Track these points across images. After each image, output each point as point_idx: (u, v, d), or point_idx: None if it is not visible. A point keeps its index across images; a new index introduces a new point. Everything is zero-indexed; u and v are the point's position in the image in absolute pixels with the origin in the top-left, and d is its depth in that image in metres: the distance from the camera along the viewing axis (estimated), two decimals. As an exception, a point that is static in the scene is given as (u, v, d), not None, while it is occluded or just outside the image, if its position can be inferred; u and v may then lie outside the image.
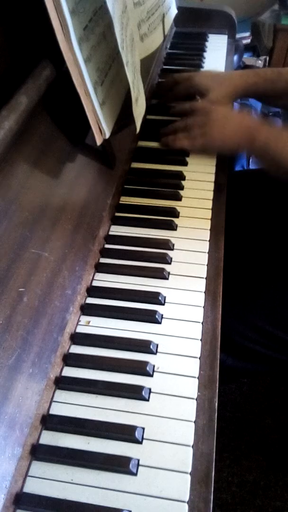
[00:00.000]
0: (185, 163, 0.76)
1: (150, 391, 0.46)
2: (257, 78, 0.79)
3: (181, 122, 0.77)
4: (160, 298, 0.55)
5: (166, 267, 0.59)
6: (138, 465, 0.41)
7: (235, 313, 0.70)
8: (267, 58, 2.16)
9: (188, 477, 0.41)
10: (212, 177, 0.74)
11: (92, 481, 0.41)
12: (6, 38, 0.51)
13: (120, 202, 0.69)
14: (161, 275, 0.57)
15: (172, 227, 0.65)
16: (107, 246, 0.62)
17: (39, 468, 0.41)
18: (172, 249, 0.62)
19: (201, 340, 0.51)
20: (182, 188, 0.72)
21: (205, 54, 1.09)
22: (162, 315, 0.54)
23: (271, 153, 0.67)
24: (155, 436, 0.43)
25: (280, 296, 0.70)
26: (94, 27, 0.53)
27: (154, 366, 0.48)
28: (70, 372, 0.48)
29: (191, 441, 0.43)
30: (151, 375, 0.48)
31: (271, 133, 0.69)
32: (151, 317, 0.53)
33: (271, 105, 1.28)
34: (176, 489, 0.40)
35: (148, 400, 0.46)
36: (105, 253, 0.61)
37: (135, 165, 0.76)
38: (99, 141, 0.57)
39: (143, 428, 0.44)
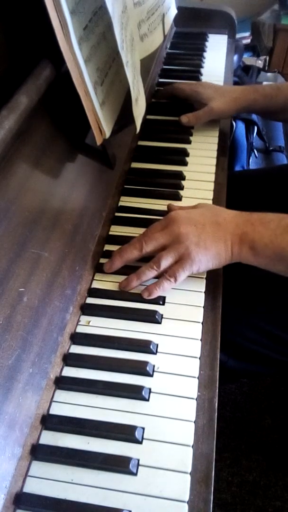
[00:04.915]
0: (185, 163, 0.76)
1: (150, 391, 0.46)
2: (257, 94, 0.81)
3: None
4: (160, 298, 0.55)
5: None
6: (138, 465, 0.41)
7: (236, 314, 0.70)
8: (267, 58, 2.16)
9: (188, 477, 0.41)
10: (212, 177, 0.74)
11: (92, 481, 0.41)
12: (6, 38, 0.51)
13: (120, 202, 0.69)
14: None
15: (172, 227, 0.64)
16: (107, 246, 0.62)
17: (39, 468, 0.41)
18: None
19: (201, 340, 0.51)
20: (182, 188, 0.72)
21: (205, 54, 1.09)
22: (162, 315, 0.53)
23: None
24: (155, 436, 0.43)
25: (281, 296, 0.70)
26: (94, 27, 0.53)
27: (154, 366, 0.48)
28: (70, 372, 0.48)
29: (191, 441, 0.43)
30: (151, 375, 0.48)
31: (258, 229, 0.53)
32: (151, 317, 0.53)
33: (271, 119, 1.30)
34: (176, 489, 0.40)
35: (148, 400, 0.46)
36: (105, 253, 0.61)
37: (135, 165, 0.76)
38: (99, 141, 0.57)
39: (143, 428, 0.44)
